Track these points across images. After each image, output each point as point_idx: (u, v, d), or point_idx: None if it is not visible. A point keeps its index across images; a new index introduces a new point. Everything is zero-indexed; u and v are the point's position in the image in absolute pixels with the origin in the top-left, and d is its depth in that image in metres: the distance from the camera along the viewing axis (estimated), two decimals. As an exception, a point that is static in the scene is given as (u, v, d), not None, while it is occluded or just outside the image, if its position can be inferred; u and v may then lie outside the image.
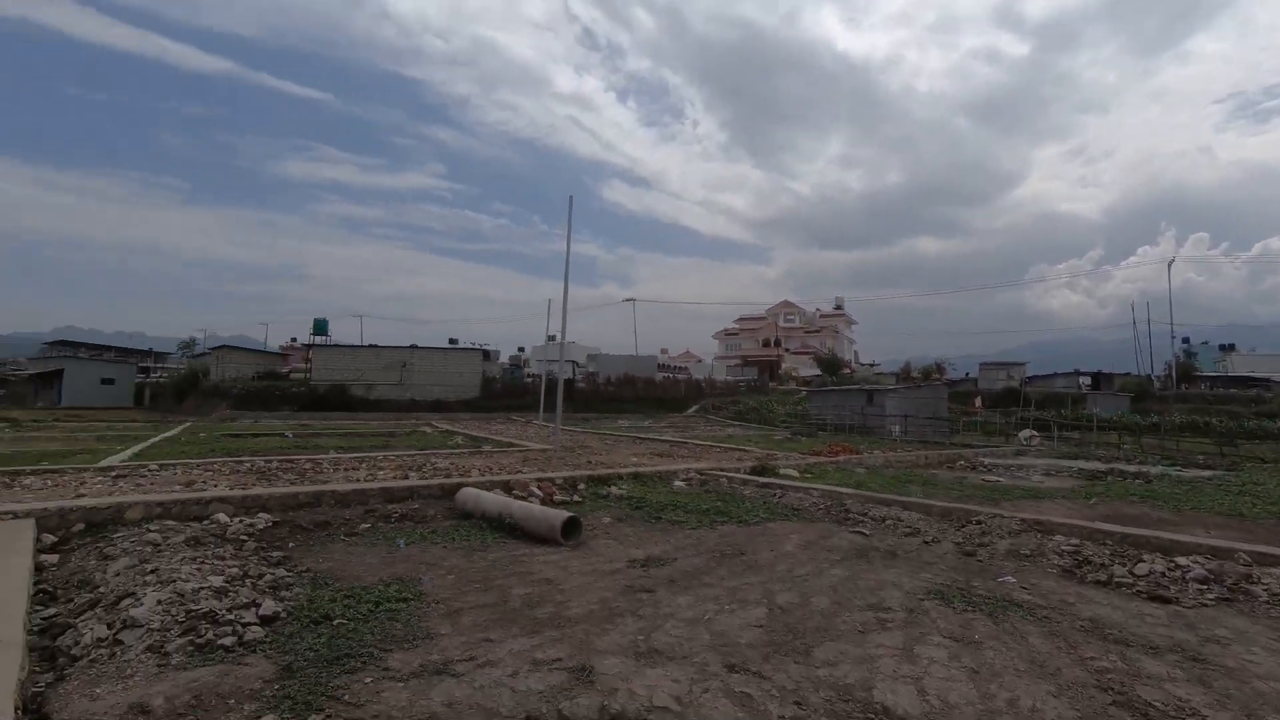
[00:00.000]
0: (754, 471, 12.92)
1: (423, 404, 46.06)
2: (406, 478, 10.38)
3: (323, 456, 13.81)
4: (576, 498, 9.77)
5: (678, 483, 11.37)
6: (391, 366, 47.53)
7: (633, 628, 4.66)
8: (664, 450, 17.64)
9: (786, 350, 77.82)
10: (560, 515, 7.19)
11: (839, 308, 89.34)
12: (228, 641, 3.97)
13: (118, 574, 5.36)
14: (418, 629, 4.49)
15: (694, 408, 48.66)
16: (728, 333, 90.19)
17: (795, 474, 12.91)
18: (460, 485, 9.29)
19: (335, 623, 4.48)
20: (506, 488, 9.62)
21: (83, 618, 4.51)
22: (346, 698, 3.49)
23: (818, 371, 59.46)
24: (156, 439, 20.01)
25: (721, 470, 12.63)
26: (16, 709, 3.06)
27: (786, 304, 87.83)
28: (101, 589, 5.05)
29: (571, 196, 20.43)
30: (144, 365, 68.43)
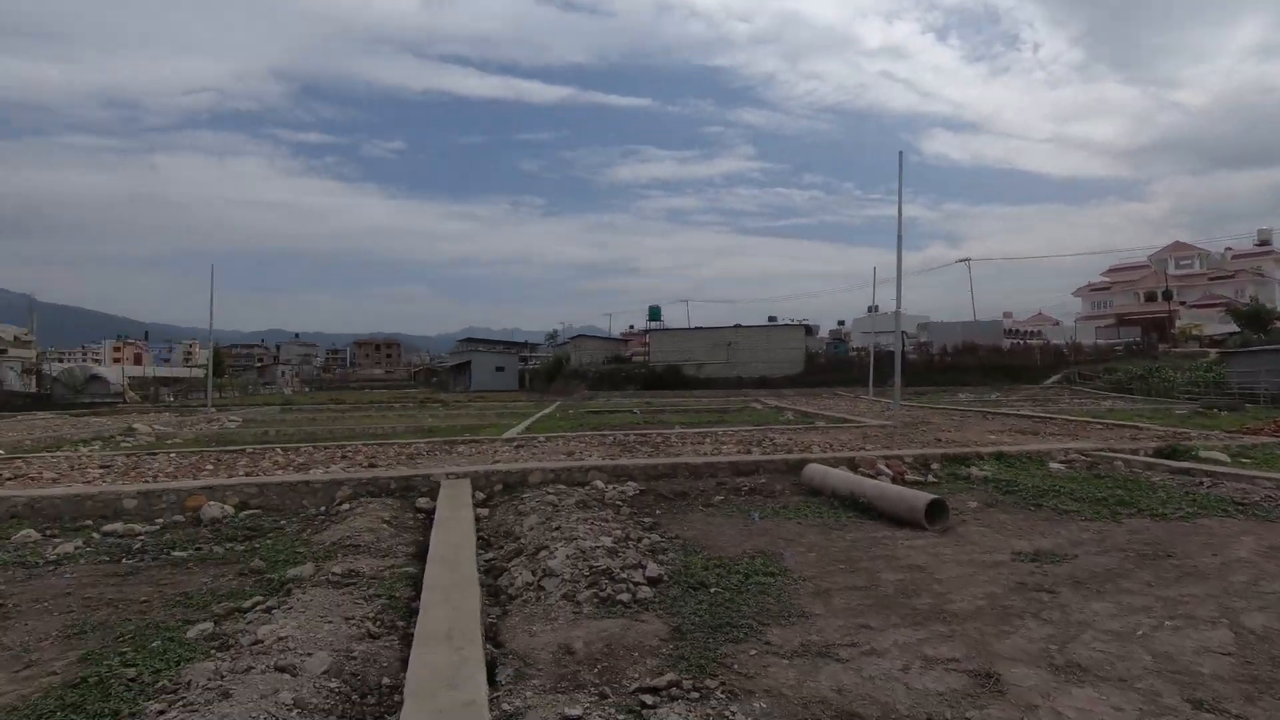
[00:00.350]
0: (1161, 454, 10.46)
1: (748, 381, 47.53)
2: (749, 452, 10.63)
3: (669, 431, 14.95)
4: (931, 478, 8.95)
5: (1055, 464, 9.72)
6: (718, 346, 49.90)
7: (1039, 633, 3.98)
8: (1026, 427, 15.35)
9: (1182, 304, 62.30)
10: (923, 497, 6.59)
11: (1264, 243, 68.56)
12: (624, 598, 4.36)
13: (531, 528, 6.36)
14: (790, 606, 4.43)
15: (1053, 378, 41.89)
16: (1094, 288, 75.70)
17: (1224, 458, 10.11)
18: (804, 461, 9.18)
19: (712, 590, 4.66)
20: (852, 465, 9.22)
21: (512, 563, 5.41)
22: (736, 667, 3.55)
23: (1234, 328, 46.39)
24: (537, 415, 23.90)
25: (1113, 451, 10.47)
26: (483, 636, 3.71)
27: (1179, 245, 70.25)
28: (521, 540, 6.03)
29: (901, 152, 18.91)
30: (523, 355, 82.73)
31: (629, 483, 8.57)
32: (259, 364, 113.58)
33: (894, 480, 8.63)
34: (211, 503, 7.62)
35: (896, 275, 18.66)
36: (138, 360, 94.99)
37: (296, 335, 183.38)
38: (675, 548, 5.83)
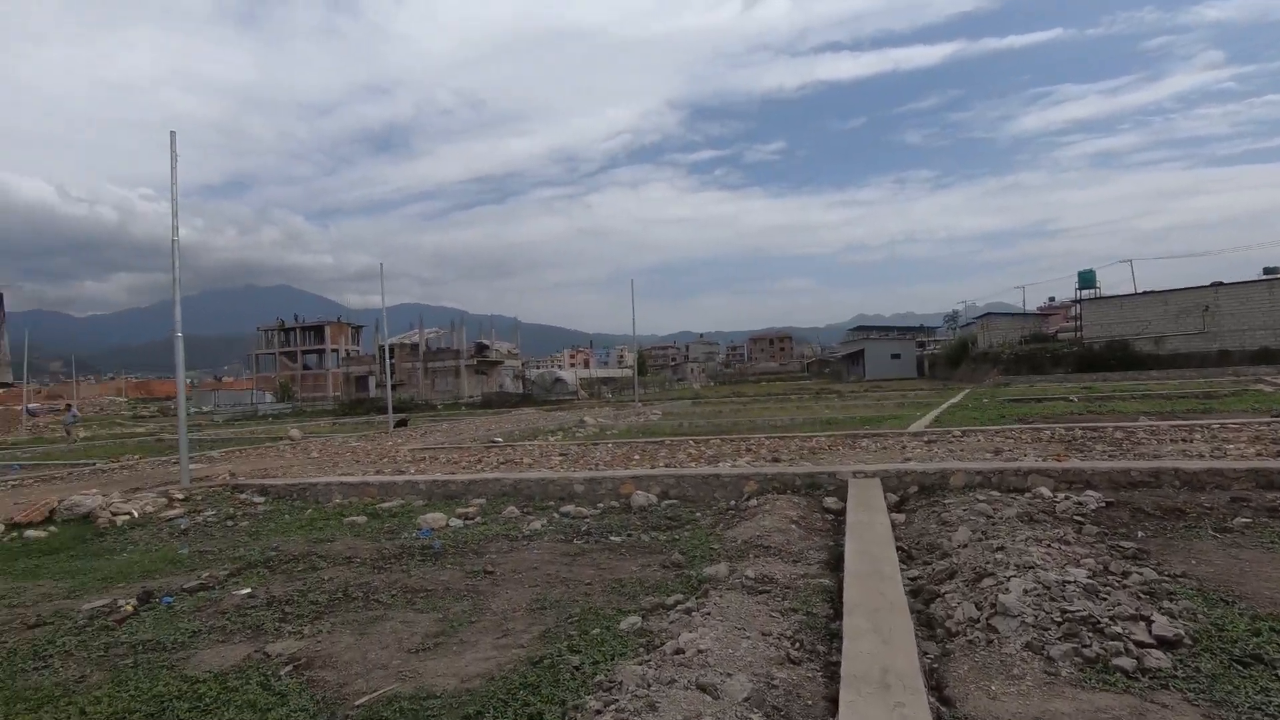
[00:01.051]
0: None
1: (1237, 354, 36.00)
2: (1280, 455, 7.56)
3: (1132, 423, 11.80)
4: None
5: None
6: (1187, 312, 39.01)
7: None
8: None
9: None
10: None
11: None
12: (1124, 663, 3.15)
13: (963, 545, 5.32)
14: None
15: None
16: None
17: None
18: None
19: (1267, 666, 3.11)
20: None
21: (945, 588, 4.51)
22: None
23: None
24: (944, 405, 21.57)
25: None
26: (926, 686, 2.99)
27: None
28: (953, 559, 5.06)
29: None
30: (920, 340, 77.23)
31: (1087, 491, 6.75)
32: (672, 363, 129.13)
33: None
34: (639, 491, 8.35)
35: None
36: (586, 364, 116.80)
37: (701, 335, 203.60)
38: (1186, 592, 4.19)
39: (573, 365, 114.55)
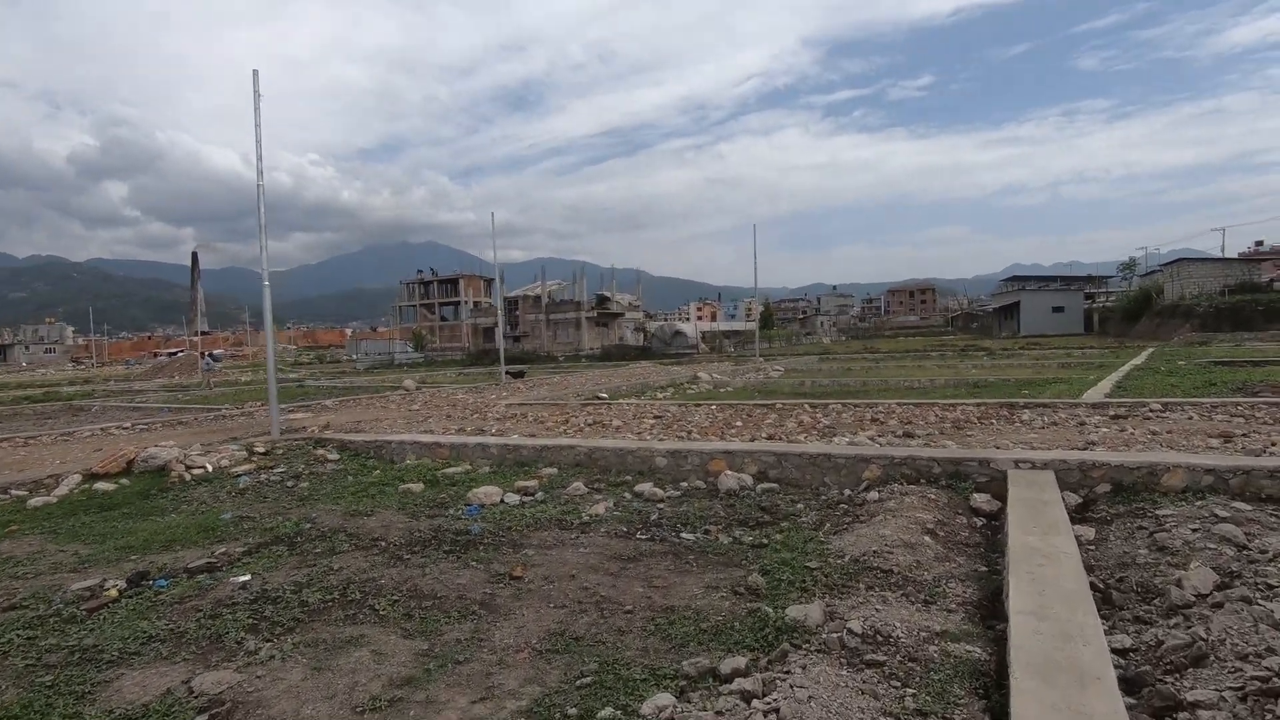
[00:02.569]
0: None
1: None
2: None
3: None
4: None
5: None
6: None
7: None
8: None
9: None
10: None
11: None
12: None
13: (1205, 595, 3.41)
14: None
15: None
16: None
17: None
18: None
19: None
20: None
21: (1191, 689, 2.69)
22: None
23: None
24: (1124, 368, 18.04)
25: None
26: None
27: None
28: (1193, 624, 3.17)
29: None
30: (1088, 292, 68.34)
31: (1404, 512, 4.43)
32: (801, 316, 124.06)
33: None
34: (729, 472, 6.83)
35: None
36: (712, 318, 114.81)
37: (834, 288, 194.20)
38: None
39: (699, 318, 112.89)
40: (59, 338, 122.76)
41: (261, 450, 9.84)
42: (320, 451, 9.88)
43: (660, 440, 8.31)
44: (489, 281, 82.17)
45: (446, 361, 47.39)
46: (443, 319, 78.81)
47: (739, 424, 9.81)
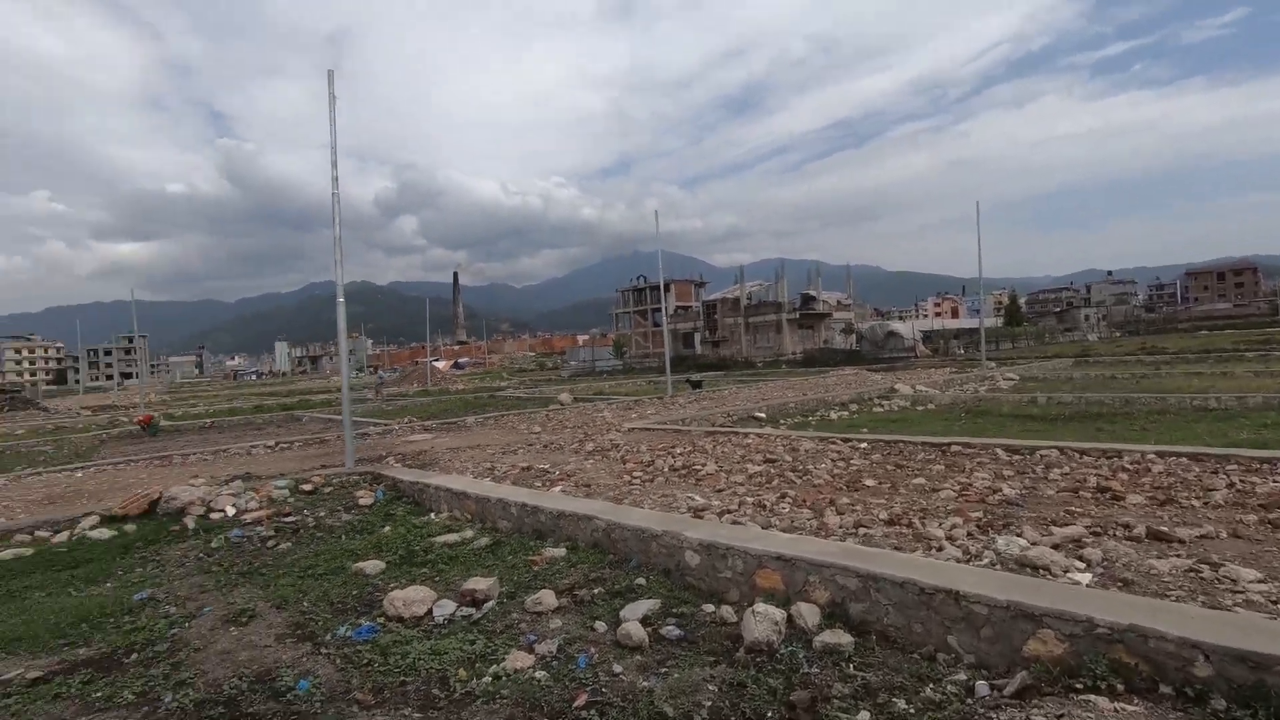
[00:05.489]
0: None
1: None
2: None
3: None
4: None
5: None
6: None
7: None
8: None
9: None
10: None
11: None
12: None
13: None
14: None
15: None
16: None
17: None
18: None
19: None
20: None
21: None
22: None
23: None
24: None
25: None
26: None
27: None
28: None
29: None
30: None
31: None
32: (1060, 309, 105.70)
33: None
34: (764, 607, 3.89)
35: None
36: (954, 314, 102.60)
37: (1109, 273, 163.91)
38: None
39: (936, 314, 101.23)
40: (355, 350, 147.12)
41: (309, 488, 8.79)
42: (362, 492, 8.57)
43: (696, 526, 5.52)
44: (699, 285, 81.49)
45: (645, 369, 46.87)
46: (655, 325, 79.62)
47: (870, 482, 6.59)
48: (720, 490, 6.73)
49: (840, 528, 5.04)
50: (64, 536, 7.09)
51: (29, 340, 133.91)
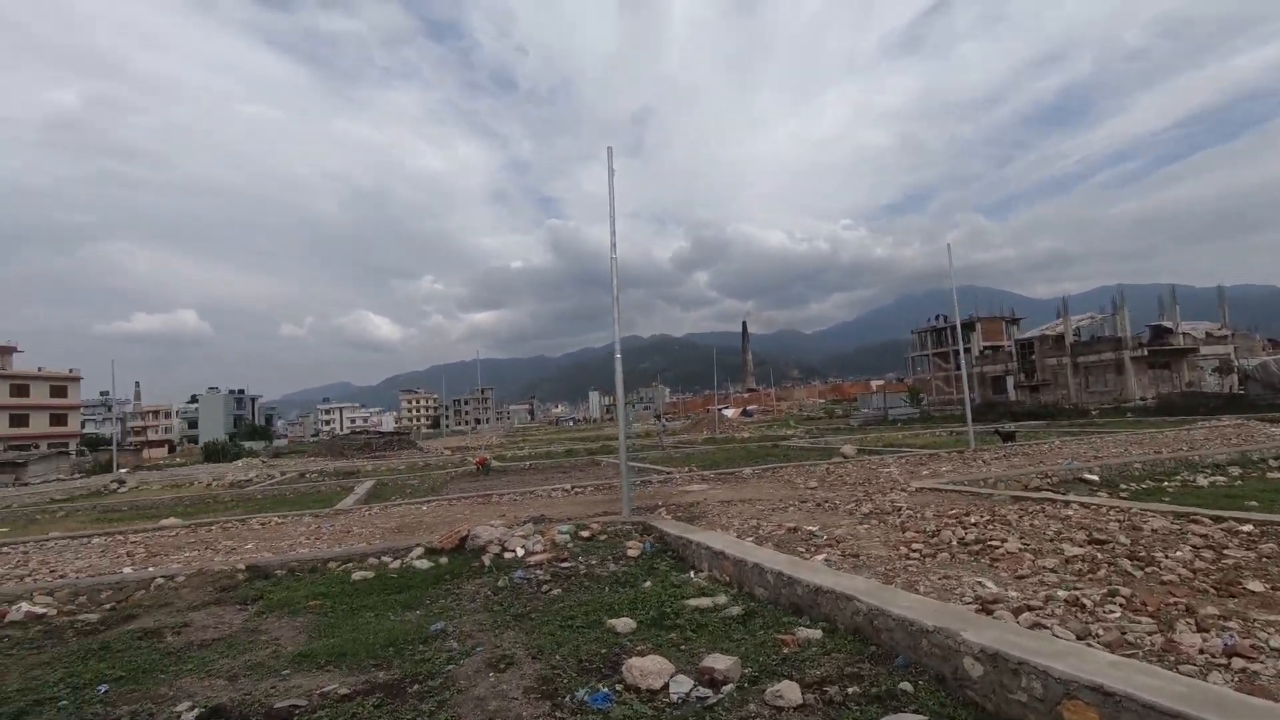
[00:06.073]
0: None
1: None
2: None
3: None
4: None
5: None
6: None
7: None
8: None
9: None
10: None
11: None
12: None
13: None
14: None
15: None
16: None
17: None
18: None
19: None
20: None
21: None
22: None
23: None
24: None
25: None
26: None
27: None
28: None
29: None
30: None
31: None
32: None
33: None
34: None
35: None
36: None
37: None
38: None
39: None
40: (654, 398, 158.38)
41: (587, 534, 9.33)
42: (632, 542, 8.82)
43: (989, 614, 4.44)
44: (1011, 322, 72.12)
45: (945, 418, 42.33)
46: (958, 369, 71.95)
47: (1258, 587, 4.80)
48: (1022, 577, 5.47)
49: (1201, 653, 3.65)
50: (397, 564, 8.45)
51: (415, 393, 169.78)
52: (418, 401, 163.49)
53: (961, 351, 23.66)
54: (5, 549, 11.79)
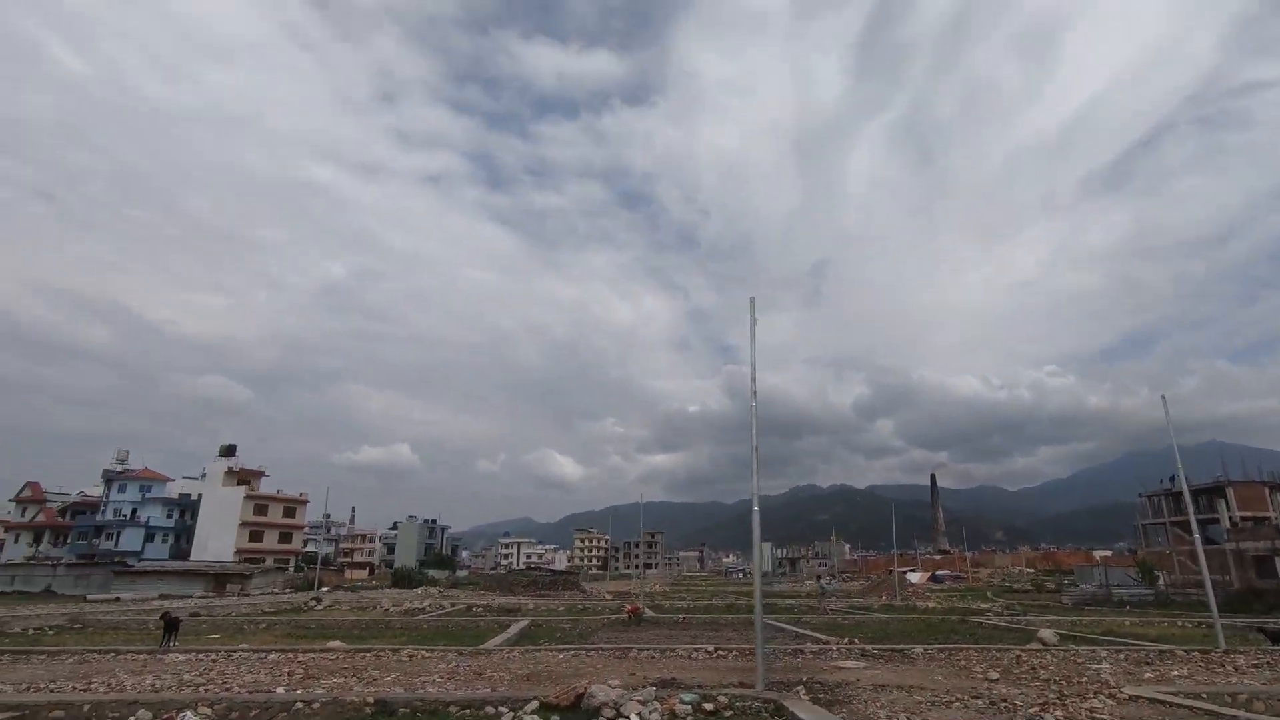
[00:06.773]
0: None
1: None
2: None
3: None
4: None
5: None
6: None
7: None
8: None
9: None
10: None
11: None
12: None
13: None
14: None
15: None
16: None
17: None
18: None
19: None
20: None
21: None
22: None
23: None
24: None
25: None
26: None
27: None
28: None
29: None
30: None
31: None
32: None
33: None
34: None
35: None
36: None
37: None
38: None
39: None
40: (829, 553, 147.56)
41: (710, 708, 8.50)
42: (755, 724, 7.85)
43: None
44: (1276, 489, 59.55)
45: (1189, 603, 34.74)
46: (1209, 541, 59.49)
47: None
48: None
49: None
50: (510, 716, 8.19)
51: (589, 532, 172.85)
52: (590, 541, 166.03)
53: (1193, 521, 19.72)
54: (201, 656, 13.21)
